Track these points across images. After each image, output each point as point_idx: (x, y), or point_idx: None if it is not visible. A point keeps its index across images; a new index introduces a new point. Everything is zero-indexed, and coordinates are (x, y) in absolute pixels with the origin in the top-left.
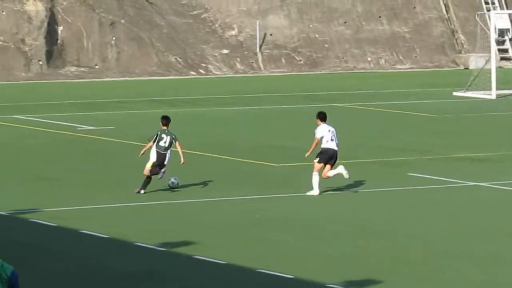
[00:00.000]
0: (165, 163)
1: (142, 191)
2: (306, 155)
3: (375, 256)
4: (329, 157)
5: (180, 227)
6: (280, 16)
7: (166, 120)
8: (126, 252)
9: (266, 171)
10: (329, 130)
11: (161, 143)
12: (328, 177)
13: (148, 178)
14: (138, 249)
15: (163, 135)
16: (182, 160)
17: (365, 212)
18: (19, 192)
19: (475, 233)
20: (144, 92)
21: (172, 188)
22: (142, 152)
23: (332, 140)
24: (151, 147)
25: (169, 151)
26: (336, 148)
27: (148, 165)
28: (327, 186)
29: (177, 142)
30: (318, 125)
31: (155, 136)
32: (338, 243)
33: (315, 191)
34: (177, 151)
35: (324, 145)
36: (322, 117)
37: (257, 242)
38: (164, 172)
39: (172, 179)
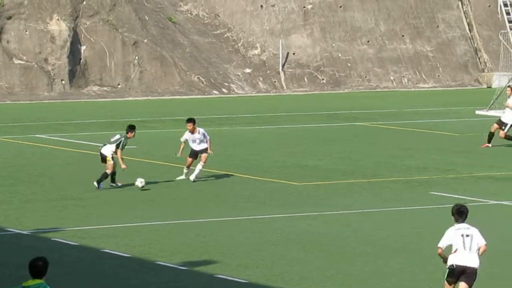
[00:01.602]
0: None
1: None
2: (178, 155)
3: (396, 275)
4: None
5: (203, 246)
6: (303, 35)
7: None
8: (147, 271)
9: (288, 190)
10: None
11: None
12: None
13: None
14: (159, 268)
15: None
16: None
17: (386, 231)
18: (42, 212)
19: (497, 253)
20: (166, 112)
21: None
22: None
23: (195, 142)
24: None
25: (111, 147)
26: (197, 149)
27: None
28: (349, 205)
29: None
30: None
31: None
32: (359, 262)
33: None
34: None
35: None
36: (193, 121)
37: (279, 261)
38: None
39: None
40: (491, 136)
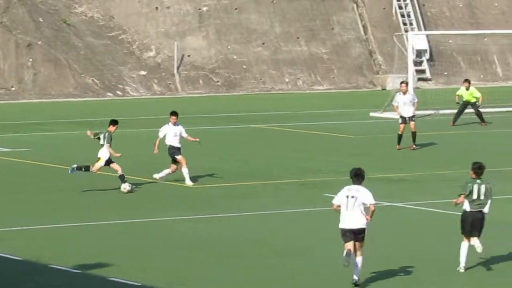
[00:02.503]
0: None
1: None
2: (155, 151)
3: (293, 277)
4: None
5: (98, 248)
6: (198, 37)
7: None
8: (40, 274)
9: (187, 192)
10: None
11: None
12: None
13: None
14: (52, 271)
15: (100, 135)
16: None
17: (282, 233)
18: None
19: (391, 254)
20: (61, 114)
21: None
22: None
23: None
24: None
25: (104, 147)
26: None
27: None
28: (246, 207)
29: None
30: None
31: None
32: (257, 264)
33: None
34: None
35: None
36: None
37: (177, 264)
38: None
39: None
40: (400, 138)
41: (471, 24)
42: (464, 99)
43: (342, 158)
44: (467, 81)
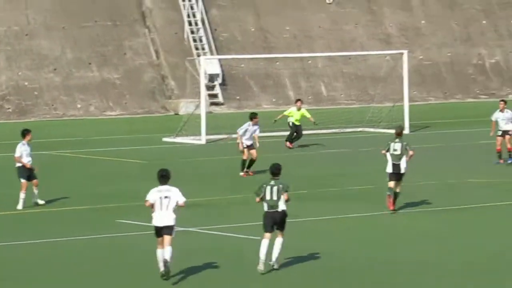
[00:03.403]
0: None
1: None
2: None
3: None
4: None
5: None
6: None
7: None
8: None
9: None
10: None
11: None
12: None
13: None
14: None
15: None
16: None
17: (70, 263)
18: None
19: (194, 280)
20: None
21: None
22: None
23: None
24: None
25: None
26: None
27: None
28: (37, 234)
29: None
30: None
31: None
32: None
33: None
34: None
35: None
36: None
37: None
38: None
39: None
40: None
41: (263, 48)
42: (293, 120)
43: (135, 184)
44: (300, 100)
